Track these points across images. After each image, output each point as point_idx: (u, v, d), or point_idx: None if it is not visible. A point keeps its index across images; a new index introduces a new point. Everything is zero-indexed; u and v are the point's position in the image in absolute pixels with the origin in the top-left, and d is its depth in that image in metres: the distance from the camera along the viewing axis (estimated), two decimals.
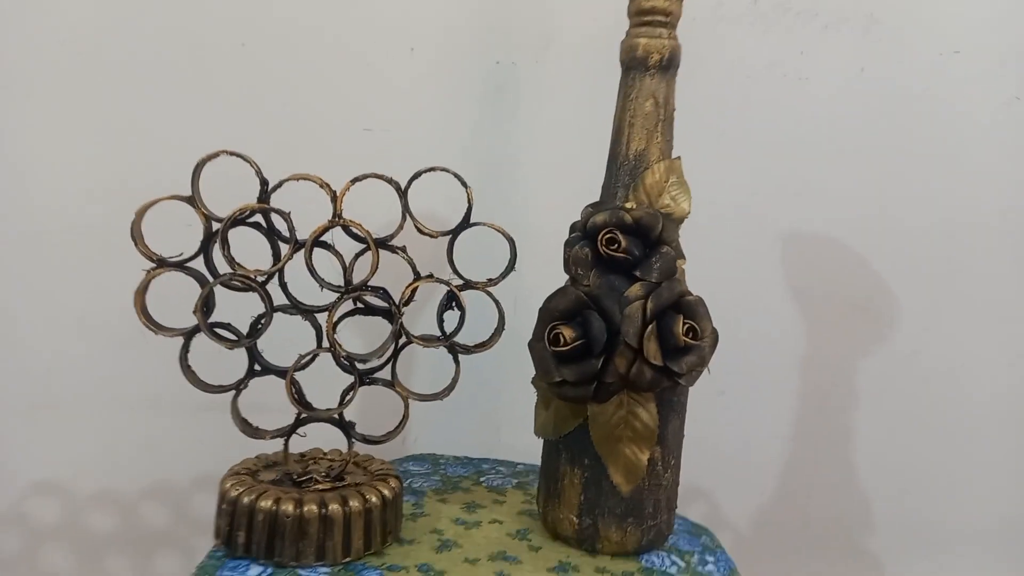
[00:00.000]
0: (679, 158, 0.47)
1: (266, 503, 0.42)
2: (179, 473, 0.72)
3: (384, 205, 0.49)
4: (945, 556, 0.78)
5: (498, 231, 0.47)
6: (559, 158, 0.69)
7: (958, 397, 0.75)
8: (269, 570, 0.41)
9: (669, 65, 0.46)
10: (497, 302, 0.47)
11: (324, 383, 0.47)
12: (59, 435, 0.70)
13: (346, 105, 0.69)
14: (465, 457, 0.62)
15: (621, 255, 0.43)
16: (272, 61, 0.68)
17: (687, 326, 0.43)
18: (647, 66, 0.46)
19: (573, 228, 0.46)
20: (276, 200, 0.45)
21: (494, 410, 0.72)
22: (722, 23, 0.72)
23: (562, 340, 0.43)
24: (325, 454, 0.49)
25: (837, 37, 0.72)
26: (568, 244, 0.46)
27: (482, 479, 0.57)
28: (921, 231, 0.73)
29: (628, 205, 0.45)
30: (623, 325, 0.42)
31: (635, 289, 0.43)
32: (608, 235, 0.43)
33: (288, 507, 0.41)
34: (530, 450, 0.65)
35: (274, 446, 0.47)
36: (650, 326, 0.42)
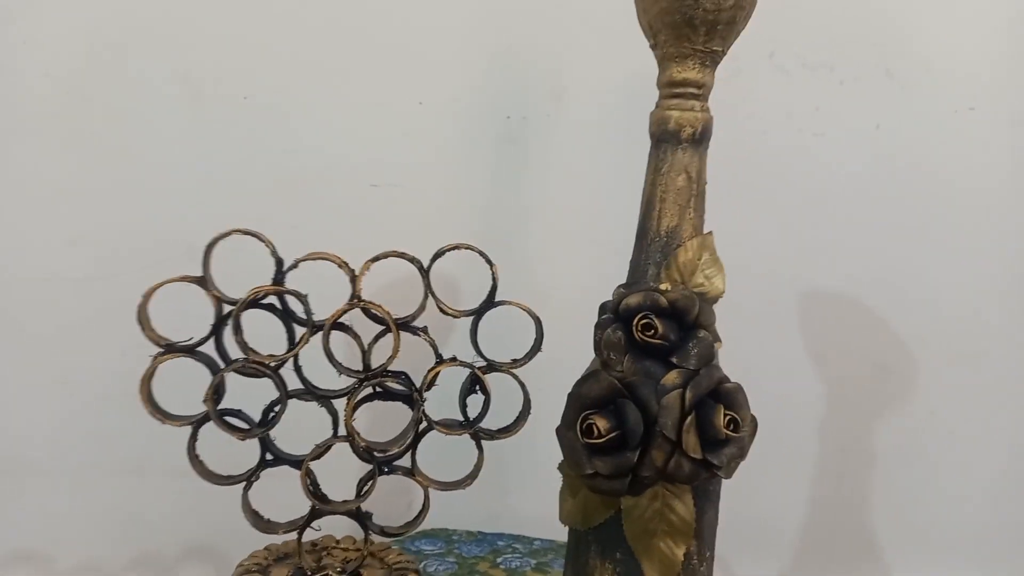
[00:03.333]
0: (711, 233, 0.45)
1: None
2: (166, 543, 0.68)
3: (401, 278, 0.47)
4: None
5: (525, 311, 0.44)
6: (573, 217, 0.68)
7: (979, 458, 0.73)
8: None
9: (702, 138, 0.45)
10: (523, 385, 0.45)
11: (336, 469, 0.45)
12: (36, 500, 0.67)
13: (353, 159, 0.67)
14: (479, 532, 0.59)
15: (657, 341, 0.41)
16: (276, 113, 0.66)
17: (728, 417, 0.40)
18: (680, 140, 0.44)
19: (603, 309, 0.44)
20: (292, 276, 0.42)
21: (501, 476, 0.69)
22: (738, 76, 0.70)
23: (596, 431, 0.41)
24: (337, 542, 0.47)
25: (853, 92, 0.71)
26: (599, 327, 0.43)
27: (499, 560, 0.54)
28: (939, 289, 0.72)
29: (663, 286, 0.43)
30: (660, 416, 0.40)
31: (672, 377, 0.41)
32: (644, 320, 0.41)
33: None
34: (542, 519, 0.63)
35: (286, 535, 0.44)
36: (689, 417, 0.40)
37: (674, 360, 0.41)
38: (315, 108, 0.66)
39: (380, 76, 0.67)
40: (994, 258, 0.72)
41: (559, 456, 0.46)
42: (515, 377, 0.44)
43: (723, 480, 0.45)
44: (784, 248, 0.71)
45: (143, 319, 0.40)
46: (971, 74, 0.70)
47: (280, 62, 0.65)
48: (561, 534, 0.57)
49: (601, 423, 0.41)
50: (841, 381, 0.73)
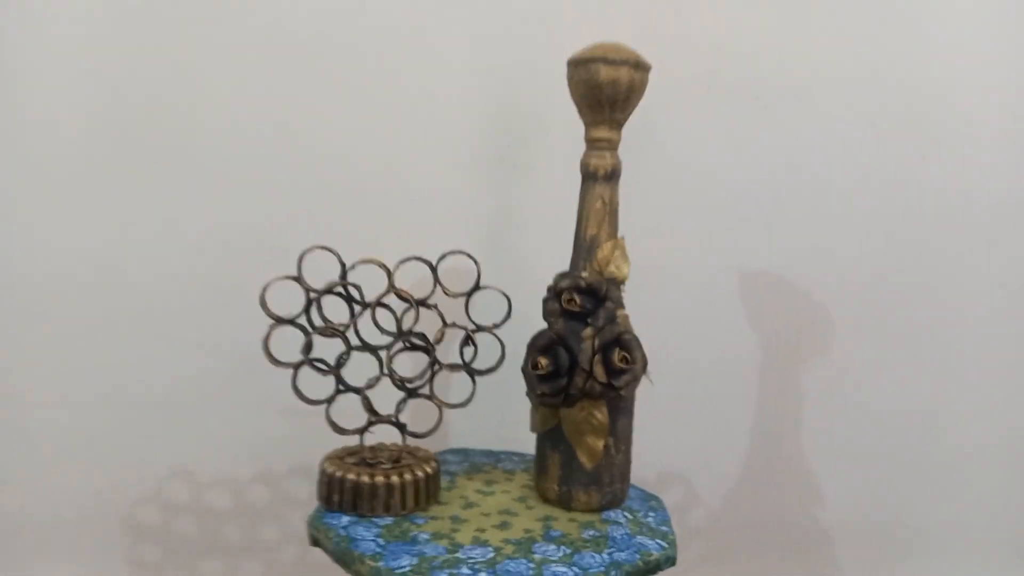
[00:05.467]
0: (623, 237, 0.68)
1: (351, 476, 0.64)
2: (279, 462, 0.94)
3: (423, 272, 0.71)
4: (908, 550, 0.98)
5: (499, 292, 0.69)
6: (545, 224, 0.91)
7: (877, 395, 0.95)
8: (354, 518, 0.64)
9: (612, 176, 0.68)
10: (499, 339, 0.69)
11: (386, 397, 0.70)
12: (189, 432, 0.93)
13: (392, 179, 0.92)
14: (490, 450, 0.84)
15: (577, 309, 0.65)
16: (344, 154, 0.91)
17: (622, 355, 0.64)
18: (596, 177, 0.67)
19: (548, 289, 0.68)
20: (351, 274, 0.67)
21: (516, 416, 0.94)
22: (684, 102, 0.92)
23: (539, 366, 0.65)
24: (387, 446, 0.72)
25: (773, 112, 0.92)
26: (544, 301, 0.67)
27: (499, 464, 0.79)
28: (849, 270, 0.93)
29: (584, 274, 0.66)
30: (580, 356, 0.64)
31: (588, 332, 0.65)
32: (568, 297, 0.65)
33: (365, 479, 0.64)
34: None
35: (352, 440, 0.70)
36: (597, 356, 0.64)
37: (589, 321, 0.65)
38: (363, 142, 0.91)
39: (408, 119, 0.91)
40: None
41: None
42: (494, 335, 0.69)
43: (629, 397, 0.68)
44: (731, 235, 0.93)
45: (263, 303, 0.66)
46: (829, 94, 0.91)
47: (339, 118, 0.90)
48: None
49: (543, 361, 0.65)
50: (774, 336, 0.95)
